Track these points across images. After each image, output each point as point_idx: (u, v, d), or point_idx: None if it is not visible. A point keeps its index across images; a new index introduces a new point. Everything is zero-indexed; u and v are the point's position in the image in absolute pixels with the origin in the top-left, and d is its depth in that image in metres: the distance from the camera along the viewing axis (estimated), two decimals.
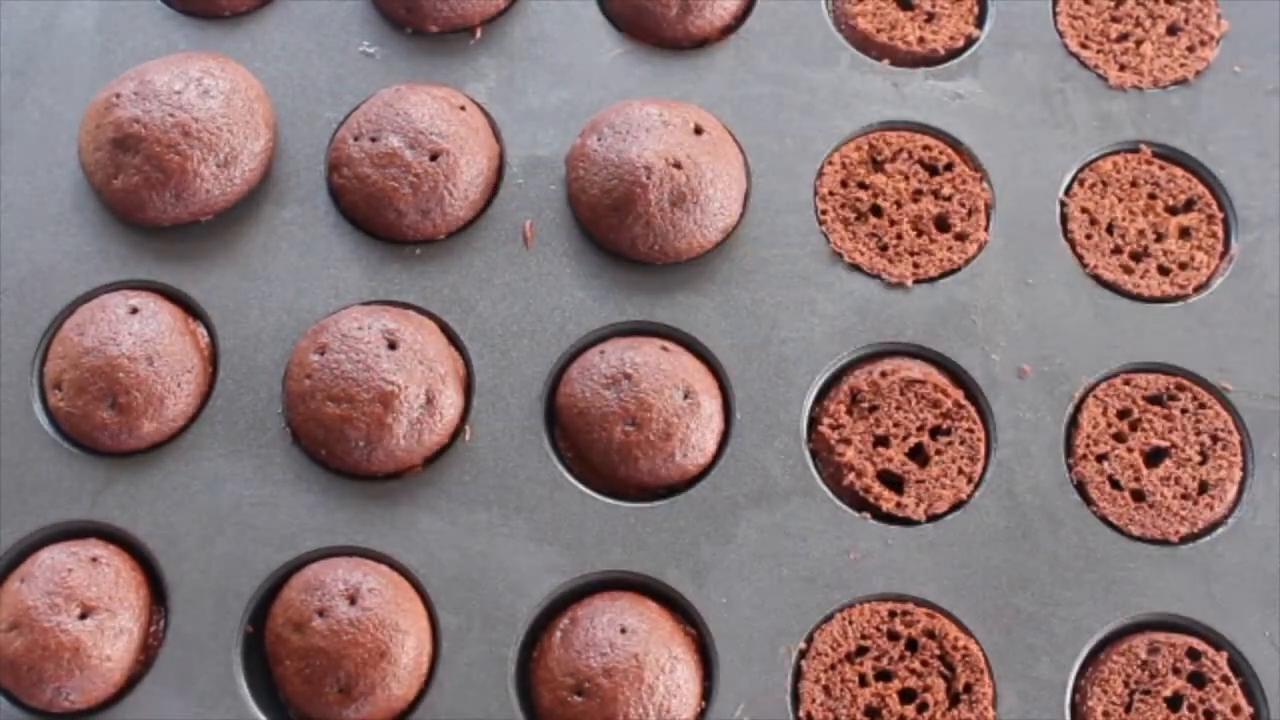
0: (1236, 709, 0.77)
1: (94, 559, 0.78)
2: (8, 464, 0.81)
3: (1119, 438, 0.83)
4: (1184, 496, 0.81)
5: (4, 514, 0.80)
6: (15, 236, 0.86)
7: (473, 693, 0.77)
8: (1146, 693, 0.78)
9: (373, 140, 0.86)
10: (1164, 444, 0.82)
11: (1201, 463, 0.82)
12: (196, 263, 0.86)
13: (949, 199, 0.87)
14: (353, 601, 0.77)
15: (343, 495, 0.81)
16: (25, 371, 0.83)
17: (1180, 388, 0.83)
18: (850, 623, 0.79)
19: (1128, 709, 0.77)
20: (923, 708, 0.78)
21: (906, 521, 0.81)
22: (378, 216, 0.85)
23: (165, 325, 0.82)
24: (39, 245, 0.86)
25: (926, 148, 0.89)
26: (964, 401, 0.83)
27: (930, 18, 0.92)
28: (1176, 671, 0.78)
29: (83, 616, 0.77)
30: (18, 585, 0.78)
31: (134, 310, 0.83)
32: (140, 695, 0.78)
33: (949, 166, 0.88)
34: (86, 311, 0.83)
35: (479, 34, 0.92)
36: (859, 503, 0.81)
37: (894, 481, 0.82)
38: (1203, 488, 0.82)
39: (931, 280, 0.86)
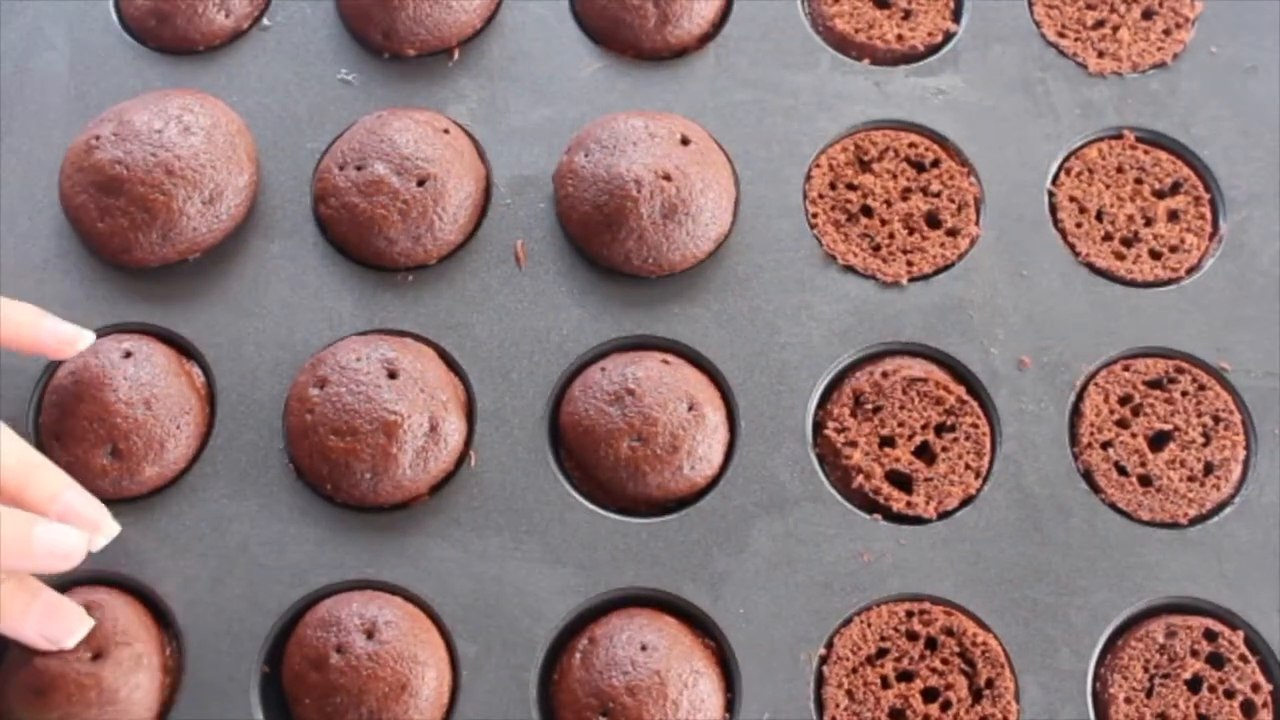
0: (1256, 686, 0.78)
1: (89, 604, 0.77)
2: None
3: (1122, 424, 0.83)
4: (1190, 478, 0.82)
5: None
6: (1, 285, 0.85)
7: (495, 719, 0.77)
8: (1167, 676, 0.78)
9: (358, 169, 0.85)
10: (1167, 427, 0.83)
11: (1205, 444, 0.82)
12: (187, 302, 0.85)
13: (938, 195, 0.87)
14: (370, 636, 0.76)
15: (351, 529, 0.80)
16: (21, 421, 0.82)
17: (1179, 370, 0.84)
18: (869, 625, 0.79)
19: (1149, 694, 0.78)
20: (946, 706, 0.78)
21: (918, 520, 0.81)
22: (368, 245, 0.84)
23: (160, 367, 0.82)
24: (26, 293, 0.84)
25: (912, 145, 0.89)
26: (966, 397, 0.83)
27: (907, 15, 0.92)
28: (1195, 654, 0.79)
29: (95, 658, 0.76)
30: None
31: (127, 354, 0.82)
32: None
33: (936, 163, 0.88)
34: (80, 358, 0.82)
35: (457, 55, 0.91)
36: (869, 504, 0.81)
37: (903, 481, 0.82)
38: (1208, 469, 0.82)
39: (926, 278, 0.86)
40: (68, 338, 0.78)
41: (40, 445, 0.81)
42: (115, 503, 0.80)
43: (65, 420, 0.80)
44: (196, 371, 0.84)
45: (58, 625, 0.75)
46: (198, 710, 0.77)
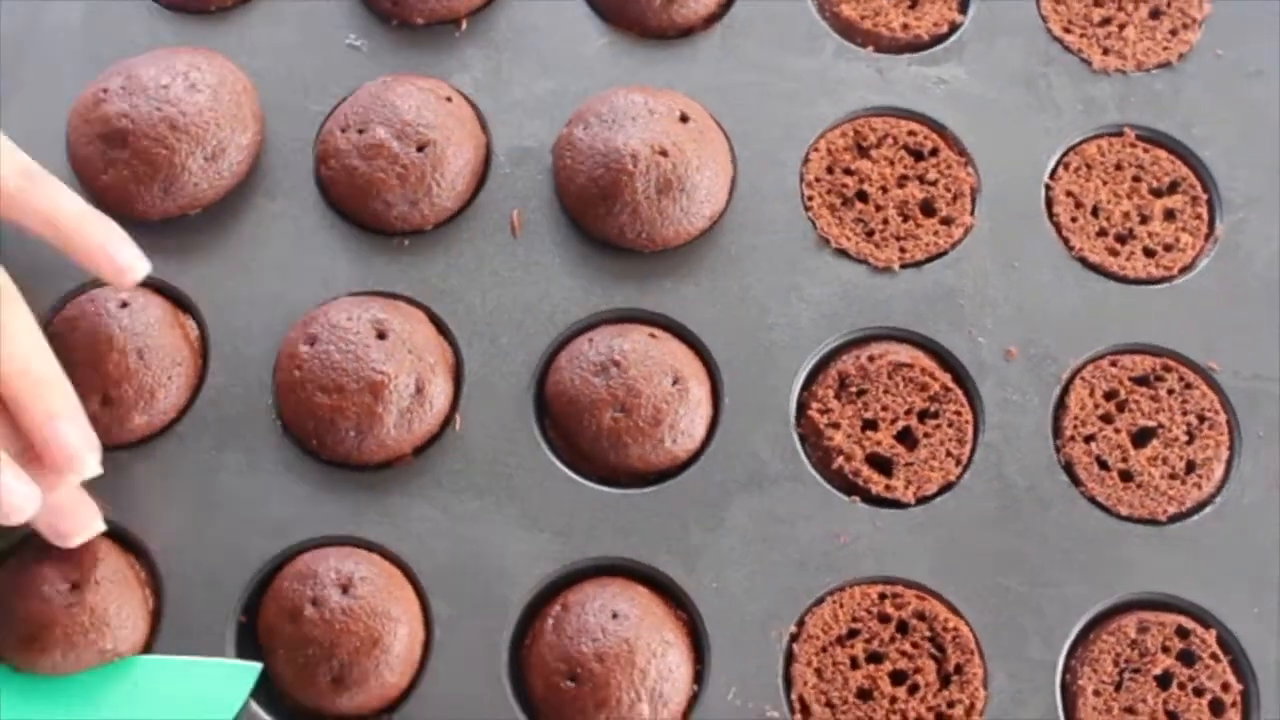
0: (1226, 686, 0.78)
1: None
2: None
3: (1106, 419, 0.83)
4: (1172, 476, 0.82)
5: None
6: (6, 235, 0.86)
7: (466, 680, 0.78)
8: (1137, 671, 0.78)
9: (360, 132, 0.86)
10: (1151, 424, 0.83)
11: (1189, 442, 0.82)
12: (185, 256, 0.86)
13: (934, 184, 0.88)
14: (345, 590, 0.77)
15: (334, 485, 0.81)
16: None
17: (1167, 368, 0.84)
18: (841, 606, 0.79)
19: (1118, 688, 0.78)
20: (914, 689, 0.78)
21: (896, 504, 0.81)
22: (366, 208, 0.85)
23: (155, 319, 0.83)
24: (29, 243, 0.85)
25: (911, 133, 0.89)
26: (951, 385, 0.83)
27: (914, 4, 0.92)
28: (1166, 650, 0.78)
29: (74, 588, 0.77)
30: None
31: (124, 304, 0.83)
32: None
33: (934, 152, 0.89)
34: (76, 306, 0.83)
35: (464, 26, 0.92)
36: (848, 486, 0.82)
37: (883, 465, 0.82)
38: (1190, 467, 0.82)
39: (918, 265, 0.86)
40: (127, 266, 0.78)
41: None
42: (103, 450, 0.81)
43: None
44: (191, 324, 0.85)
45: (68, 520, 0.76)
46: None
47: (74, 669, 0.77)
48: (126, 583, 0.78)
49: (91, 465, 0.76)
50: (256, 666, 0.78)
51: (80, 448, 0.75)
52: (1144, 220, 0.87)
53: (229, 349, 0.84)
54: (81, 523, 0.76)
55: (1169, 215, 0.88)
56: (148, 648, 0.78)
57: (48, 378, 0.75)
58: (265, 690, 0.79)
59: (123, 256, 0.78)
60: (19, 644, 0.77)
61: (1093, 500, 0.81)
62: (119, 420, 0.81)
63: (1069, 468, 0.82)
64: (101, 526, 0.77)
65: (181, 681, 0.78)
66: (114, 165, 0.84)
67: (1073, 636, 0.79)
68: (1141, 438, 0.83)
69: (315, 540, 0.80)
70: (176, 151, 0.84)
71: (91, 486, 0.78)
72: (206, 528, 0.80)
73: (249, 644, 0.79)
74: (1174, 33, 0.92)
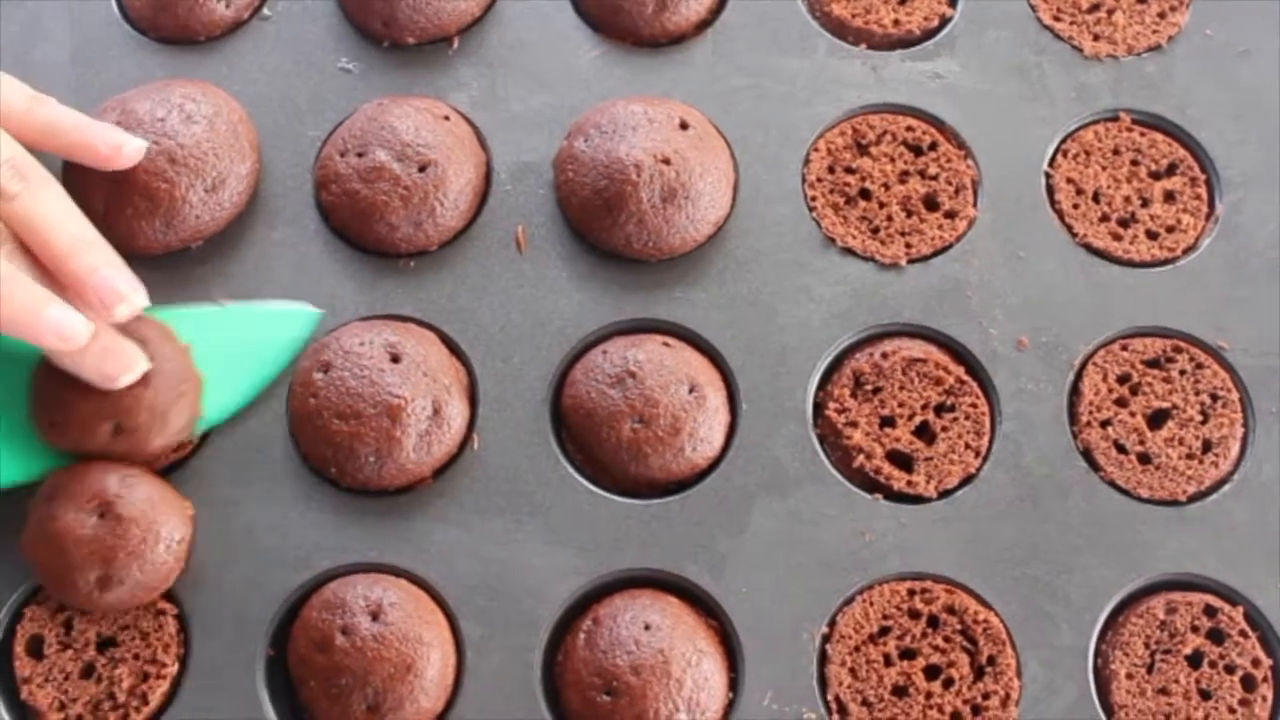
0: (1256, 661, 0.78)
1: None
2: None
3: (1121, 403, 0.83)
4: (1189, 456, 0.82)
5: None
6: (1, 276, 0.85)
7: (500, 700, 0.77)
8: (1167, 652, 0.78)
9: (359, 155, 0.85)
10: (1165, 406, 0.83)
11: (1203, 422, 0.83)
12: (190, 289, 0.85)
13: (936, 178, 0.88)
14: (375, 618, 0.77)
15: (355, 512, 0.81)
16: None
17: (1177, 349, 0.84)
18: (871, 604, 0.79)
19: (1150, 670, 0.78)
20: (949, 683, 0.78)
21: (918, 500, 0.81)
22: (369, 231, 0.85)
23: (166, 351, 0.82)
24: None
25: (910, 129, 0.89)
26: (966, 377, 0.84)
27: (903, 0, 0.93)
28: (1195, 629, 0.79)
29: (103, 515, 0.77)
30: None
31: None
32: None
33: (933, 146, 0.89)
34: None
35: (456, 44, 0.92)
36: (870, 484, 0.82)
37: (903, 461, 0.82)
38: (1206, 446, 0.83)
39: (924, 259, 0.86)
40: (115, 143, 0.82)
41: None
42: None
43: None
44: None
45: (114, 361, 0.77)
46: (203, 695, 0.77)
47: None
48: (150, 482, 0.79)
49: (141, 297, 0.78)
50: (316, 312, 0.84)
51: (128, 285, 0.78)
52: (1145, 203, 0.88)
53: None
54: (127, 362, 0.77)
55: (1169, 197, 0.88)
56: (175, 688, 0.78)
57: (88, 238, 0.78)
58: None
59: (107, 289, 0.78)
60: (84, 573, 0.76)
61: (1112, 484, 0.82)
62: (137, 446, 0.80)
63: (1087, 453, 0.82)
64: (146, 365, 0.78)
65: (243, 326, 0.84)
66: (114, 202, 0.83)
67: (1102, 621, 0.79)
68: (1157, 419, 0.83)
69: (341, 568, 0.80)
70: (176, 185, 0.83)
71: None
72: (229, 563, 0.80)
73: (279, 677, 0.79)
74: (1162, 15, 0.92)
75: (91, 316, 0.76)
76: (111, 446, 0.79)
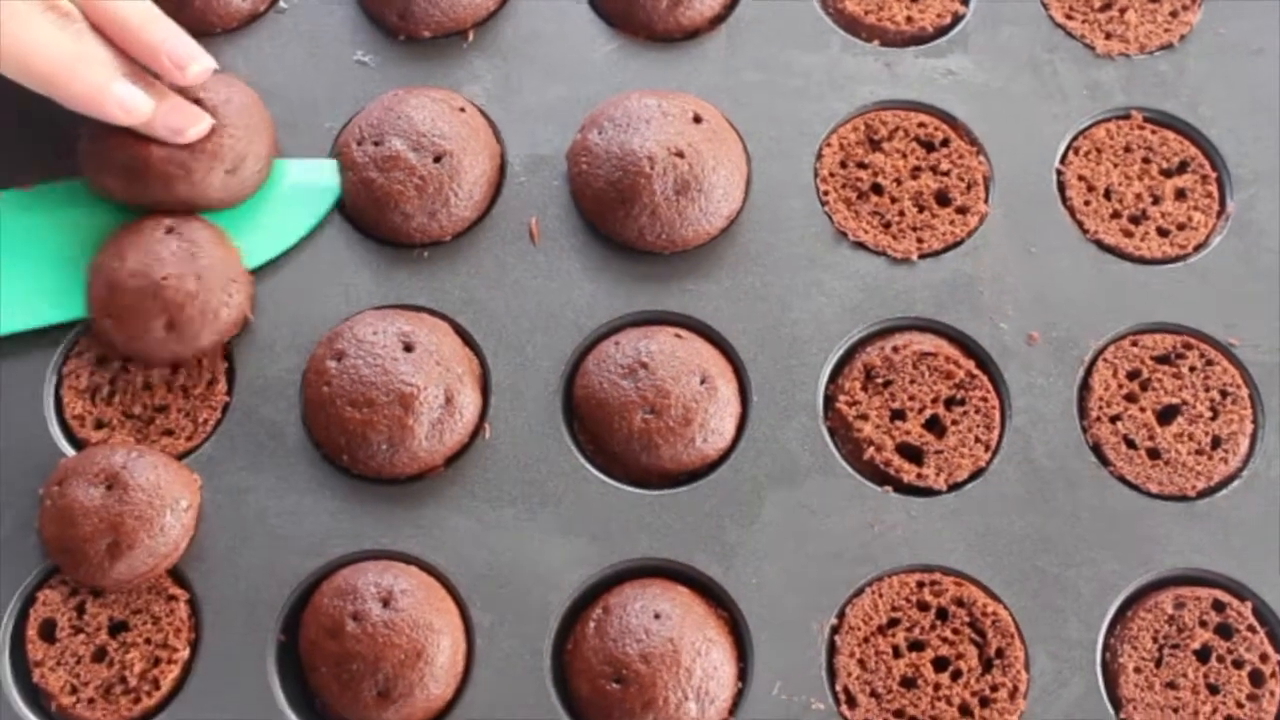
0: (1264, 656, 0.79)
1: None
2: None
3: (1131, 398, 0.84)
4: (1198, 452, 0.82)
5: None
6: None
7: (510, 687, 0.78)
8: (1176, 647, 0.79)
9: (375, 144, 0.86)
10: (1175, 401, 0.84)
11: (1213, 418, 0.83)
12: None
13: (947, 174, 0.88)
14: (386, 604, 0.77)
15: (367, 500, 0.81)
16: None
17: (1187, 346, 0.85)
18: (880, 596, 0.79)
19: (1159, 664, 0.78)
20: (957, 675, 0.78)
21: (928, 492, 0.82)
22: (384, 220, 0.85)
23: (204, 239, 0.84)
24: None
25: (922, 125, 0.90)
26: (976, 371, 0.84)
27: None
28: (1203, 624, 0.79)
29: (111, 487, 0.78)
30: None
31: (169, 230, 0.84)
32: (176, 711, 0.77)
33: (945, 142, 0.89)
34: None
35: (471, 37, 0.92)
36: (880, 476, 0.82)
37: (913, 454, 0.83)
38: (1216, 442, 0.83)
39: (936, 254, 0.87)
40: (181, 57, 0.83)
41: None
42: None
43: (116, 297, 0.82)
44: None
45: (180, 116, 0.83)
46: (214, 679, 0.78)
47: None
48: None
49: (209, 60, 0.84)
50: (334, 161, 0.88)
51: (198, 50, 0.84)
52: (1156, 201, 0.88)
53: (253, 369, 0.84)
54: (193, 116, 0.83)
55: (1180, 195, 0.89)
56: (186, 673, 0.78)
57: (156, 14, 0.83)
58: (308, 709, 0.79)
59: (181, 52, 0.83)
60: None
61: (1122, 479, 0.82)
62: (189, 342, 0.81)
63: (1097, 448, 0.83)
64: (210, 121, 0.84)
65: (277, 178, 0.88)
66: (132, 186, 0.84)
67: (1110, 615, 0.79)
68: (1166, 415, 0.84)
69: (352, 555, 0.80)
70: (195, 171, 0.83)
71: None
72: (241, 548, 0.80)
73: (290, 662, 0.79)
74: (1174, 14, 0.93)
75: (155, 93, 0.82)
76: (165, 342, 0.81)
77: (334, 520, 0.81)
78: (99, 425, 0.82)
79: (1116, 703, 0.78)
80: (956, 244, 0.87)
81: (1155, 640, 0.79)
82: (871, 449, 0.82)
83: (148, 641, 0.78)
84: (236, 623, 0.79)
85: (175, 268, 0.81)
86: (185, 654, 0.78)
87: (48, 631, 0.79)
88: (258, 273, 0.85)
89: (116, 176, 0.84)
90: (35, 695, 0.79)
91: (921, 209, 0.87)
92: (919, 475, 0.82)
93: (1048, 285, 0.86)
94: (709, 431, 0.82)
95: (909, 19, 0.92)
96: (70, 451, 0.82)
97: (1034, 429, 0.83)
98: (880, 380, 0.84)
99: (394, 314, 0.83)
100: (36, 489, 0.80)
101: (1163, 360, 0.84)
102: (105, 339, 0.82)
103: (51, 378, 0.83)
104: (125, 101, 0.80)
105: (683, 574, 0.80)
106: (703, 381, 0.82)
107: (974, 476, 0.82)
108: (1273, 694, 0.78)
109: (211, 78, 0.88)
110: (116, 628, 0.79)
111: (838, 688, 0.78)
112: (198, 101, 0.85)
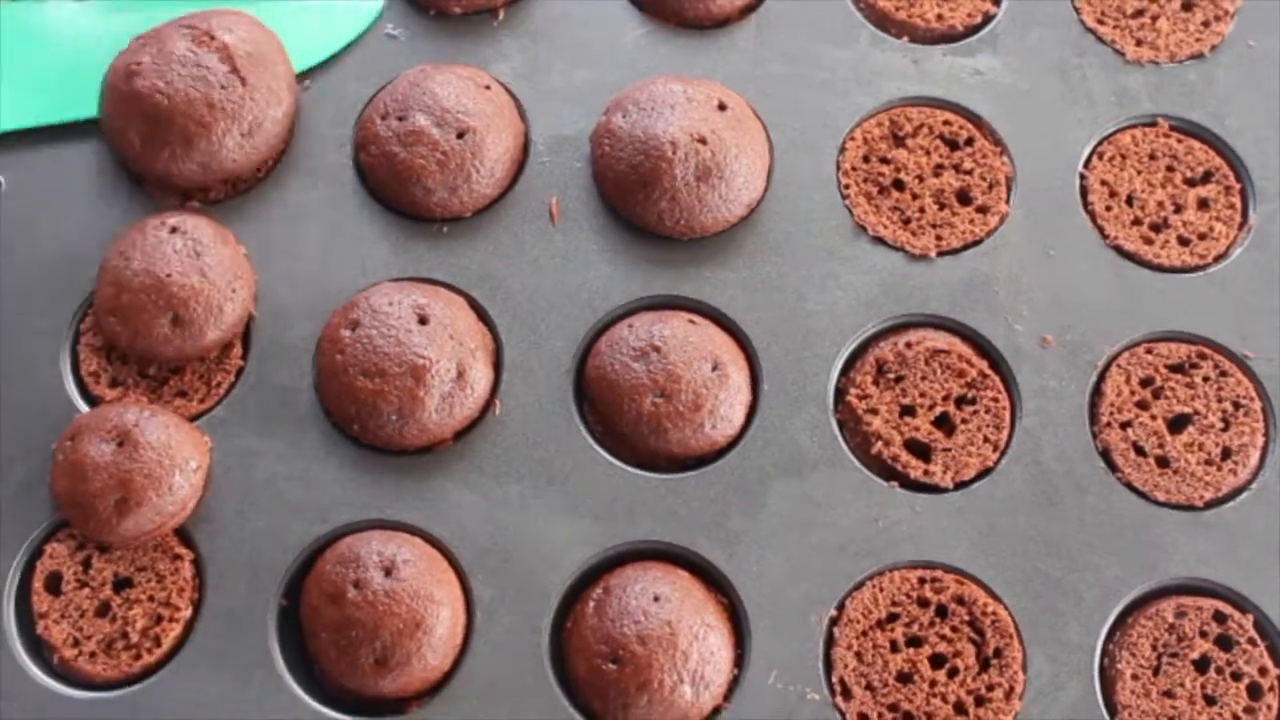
0: (1263, 670, 0.78)
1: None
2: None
3: (1142, 405, 0.83)
4: (1208, 462, 0.82)
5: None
6: (47, 216, 0.87)
7: (507, 662, 0.78)
8: (1175, 656, 0.78)
9: (400, 119, 0.86)
10: (1187, 411, 0.83)
11: (1224, 429, 0.83)
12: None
13: (970, 173, 0.88)
14: (388, 573, 0.77)
15: (375, 469, 0.82)
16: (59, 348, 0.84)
17: (1202, 356, 0.84)
18: (881, 590, 0.79)
19: (1156, 672, 0.78)
20: (953, 673, 0.78)
21: (934, 489, 0.82)
22: (405, 194, 0.86)
23: (207, 237, 0.84)
24: (69, 226, 0.86)
25: (947, 123, 0.90)
26: (988, 371, 0.84)
27: None
28: (1204, 635, 0.79)
29: (121, 444, 0.79)
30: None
31: (173, 229, 0.84)
32: (176, 669, 0.78)
33: (969, 141, 0.89)
34: (126, 239, 0.84)
35: (501, 15, 0.92)
36: (887, 471, 0.82)
37: (921, 450, 0.83)
38: (1226, 453, 0.82)
39: (954, 252, 0.87)
40: None
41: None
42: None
43: (122, 295, 0.82)
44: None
45: None
46: (216, 640, 0.78)
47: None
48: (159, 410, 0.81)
49: None
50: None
51: None
52: (1178, 209, 0.88)
53: (269, 334, 0.84)
54: None
55: (1203, 204, 0.88)
56: (188, 632, 0.79)
57: None
58: (307, 673, 0.79)
59: None
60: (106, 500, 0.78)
61: (1130, 486, 0.82)
62: (193, 339, 0.82)
63: (1106, 454, 0.82)
64: None
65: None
66: (150, 142, 0.84)
67: (1111, 621, 0.79)
68: (1177, 424, 0.83)
69: (357, 524, 0.80)
70: (214, 129, 0.84)
71: None
72: (248, 511, 0.80)
73: (291, 627, 0.80)
74: (1206, 24, 0.92)
75: None
76: (170, 339, 0.81)
77: (341, 488, 0.81)
78: (114, 383, 0.83)
79: (1112, 708, 0.78)
80: (975, 243, 0.87)
81: (1154, 648, 0.79)
82: (880, 443, 0.82)
83: (151, 599, 0.79)
84: (240, 585, 0.79)
85: (179, 265, 0.82)
86: (188, 613, 0.79)
87: (53, 584, 0.80)
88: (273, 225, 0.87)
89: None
90: (38, 647, 0.79)
91: (942, 206, 0.87)
92: (926, 472, 0.82)
93: (1065, 289, 0.85)
94: (718, 418, 0.82)
95: (939, 17, 0.92)
96: (84, 408, 0.82)
97: (1044, 431, 0.83)
98: (892, 375, 0.84)
99: (410, 286, 0.84)
100: (50, 443, 0.81)
101: (1176, 369, 0.84)
102: (112, 337, 0.83)
103: (69, 333, 0.84)
104: None
105: (685, 558, 0.80)
106: (714, 368, 0.82)
107: (981, 476, 0.82)
108: (1270, 708, 0.78)
109: (233, 18, 0.88)
110: (121, 584, 0.80)
111: (834, 679, 0.78)
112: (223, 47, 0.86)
